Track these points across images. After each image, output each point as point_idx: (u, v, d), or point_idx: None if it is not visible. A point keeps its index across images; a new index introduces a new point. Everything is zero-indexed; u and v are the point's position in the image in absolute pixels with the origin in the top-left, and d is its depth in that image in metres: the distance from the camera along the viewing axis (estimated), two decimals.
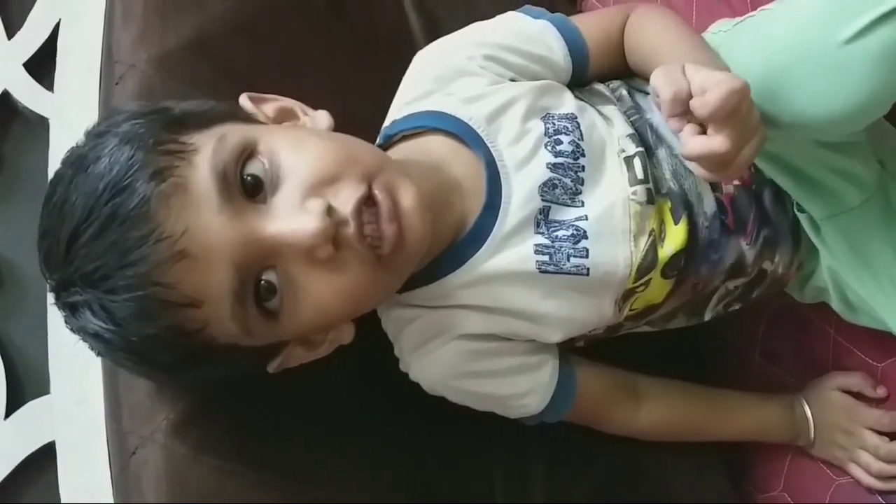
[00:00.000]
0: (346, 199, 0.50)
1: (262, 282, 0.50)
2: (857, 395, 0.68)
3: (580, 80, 0.64)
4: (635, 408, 0.66)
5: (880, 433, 0.66)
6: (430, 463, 0.65)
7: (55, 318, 0.66)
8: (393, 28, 0.82)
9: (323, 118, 0.59)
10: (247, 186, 0.50)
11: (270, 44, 0.73)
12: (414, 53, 0.66)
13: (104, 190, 0.48)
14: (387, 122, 0.64)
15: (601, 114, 0.62)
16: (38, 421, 0.68)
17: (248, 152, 0.51)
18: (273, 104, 0.59)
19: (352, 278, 0.51)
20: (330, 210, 0.49)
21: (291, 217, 0.50)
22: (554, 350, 0.61)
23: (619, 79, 0.65)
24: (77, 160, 0.51)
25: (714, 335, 0.78)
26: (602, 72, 0.65)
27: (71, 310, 0.50)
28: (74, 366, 0.63)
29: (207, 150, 0.50)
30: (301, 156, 0.51)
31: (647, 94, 0.63)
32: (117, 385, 0.59)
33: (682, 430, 0.68)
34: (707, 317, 0.65)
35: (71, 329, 0.52)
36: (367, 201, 0.51)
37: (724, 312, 0.65)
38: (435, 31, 0.79)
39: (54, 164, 0.71)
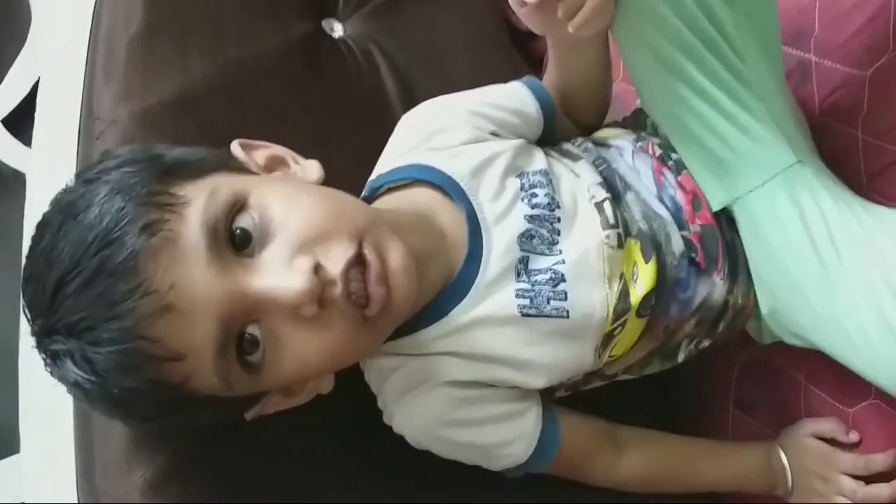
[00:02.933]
0: (335, 259, 0.51)
1: (247, 335, 0.50)
2: (831, 441, 0.68)
3: (549, 137, 0.69)
4: (616, 456, 0.66)
5: (856, 478, 0.67)
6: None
7: (26, 374, 0.65)
8: (370, 92, 0.85)
9: (314, 168, 0.60)
10: (236, 241, 0.51)
11: (250, 103, 0.75)
12: (390, 116, 0.70)
13: (93, 241, 0.48)
14: (373, 176, 0.66)
15: (570, 168, 0.65)
16: (8, 481, 0.65)
17: (238, 205, 0.51)
18: (264, 152, 0.60)
19: (336, 336, 0.51)
20: (318, 268, 0.50)
21: (279, 274, 0.50)
22: (537, 398, 0.62)
23: (581, 136, 0.70)
24: (66, 207, 0.51)
25: (688, 387, 0.79)
26: (566, 131, 0.70)
27: (52, 357, 0.50)
28: (45, 424, 0.61)
29: (199, 204, 0.50)
30: (292, 211, 0.52)
31: (610, 146, 0.68)
32: (91, 441, 0.58)
33: (662, 479, 0.68)
34: (680, 358, 0.66)
35: (51, 373, 0.51)
36: (357, 257, 0.51)
37: (696, 351, 0.66)
38: (410, 95, 0.83)
39: (30, 220, 0.71)
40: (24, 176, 0.76)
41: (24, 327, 0.66)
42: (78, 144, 0.71)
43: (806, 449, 0.68)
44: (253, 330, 0.50)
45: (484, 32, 0.95)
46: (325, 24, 0.88)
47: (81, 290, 0.47)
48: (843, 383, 0.68)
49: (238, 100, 0.74)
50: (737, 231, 0.64)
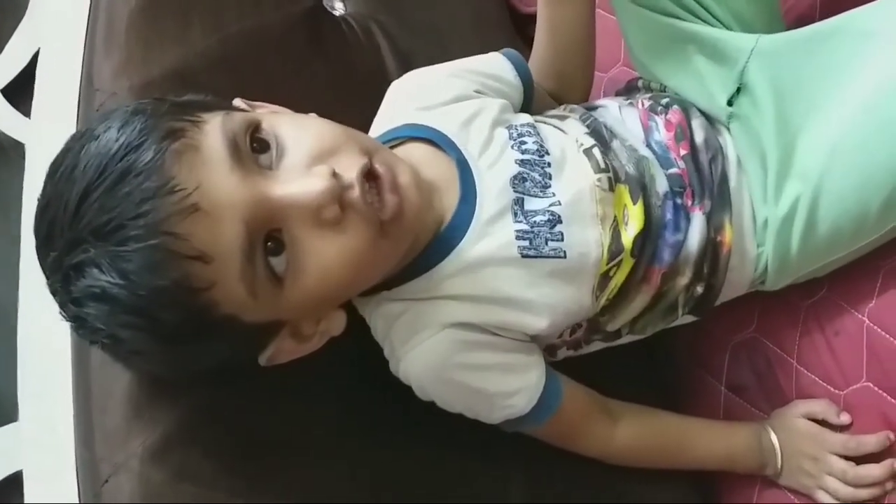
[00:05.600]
0: (349, 166, 0.53)
1: (270, 242, 0.52)
2: (822, 423, 0.69)
3: (530, 109, 0.72)
4: (611, 426, 0.67)
5: (846, 458, 0.67)
6: (421, 476, 0.65)
7: (25, 342, 0.65)
8: (371, 70, 0.85)
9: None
10: (255, 152, 0.53)
11: (251, 78, 0.75)
12: None
13: (118, 149, 0.50)
14: None
15: (556, 126, 0.68)
16: (5, 449, 0.65)
17: (253, 126, 0.54)
18: (265, 108, 0.62)
19: (355, 241, 0.53)
20: (335, 174, 0.52)
21: (299, 180, 0.52)
22: (541, 356, 0.63)
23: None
24: (85, 132, 0.53)
25: (681, 369, 0.80)
26: (547, 106, 0.74)
27: (75, 271, 0.50)
28: (44, 392, 0.61)
29: (216, 123, 0.52)
30: (303, 131, 0.55)
31: (597, 107, 0.71)
32: (90, 408, 0.58)
33: (653, 452, 0.69)
34: (681, 312, 0.67)
35: (69, 299, 0.51)
36: (368, 174, 0.54)
37: (694, 301, 0.67)
38: None
39: (30, 190, 0.71)
40: (23, 146, 0.75)
41: (24, 294, 0.66)
42: (77, 115, 0.71)
43: (797, 429, 0.69)
44: (277, 236, 0.52)
45: (484, 13, 0.95)
46: (326, 1, 0.88)
47: (108, 192, 0.49)
48: (836, 365, 0.69)
49: (239, 73, 0.74)
50: (715, 158, 0.66)
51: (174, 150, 0.49)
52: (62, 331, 0.56)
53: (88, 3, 0.74)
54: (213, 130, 0.52)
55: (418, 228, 0.59)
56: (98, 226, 0.49)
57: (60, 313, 0.53)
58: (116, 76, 0.69)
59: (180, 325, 0.50)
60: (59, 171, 0.51)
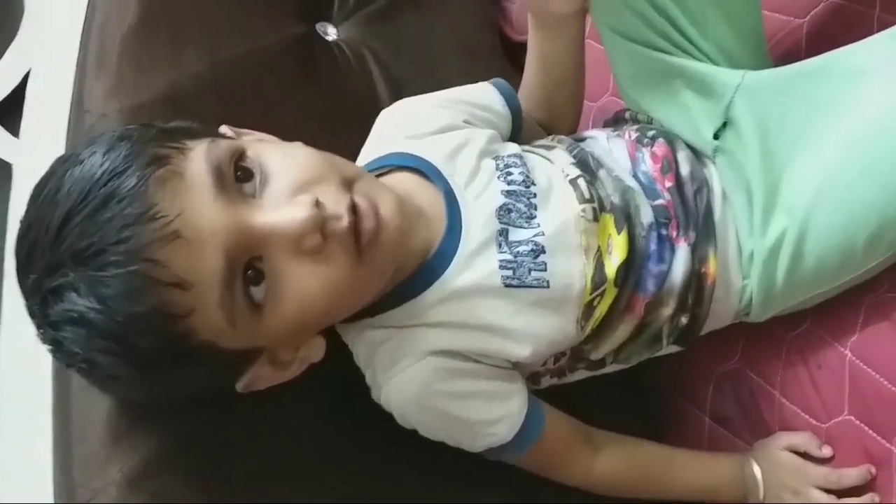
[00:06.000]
0: (332, 196, 0.54)
1: (250, 271, 0.52)
2: (804, 455, 0.69)
3: (518, 139, 0.72)
4: (593, 455, 0.67)
5: (828, 491, 0.67)
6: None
7: (5, 364, 0.65)
8: (362, 96, 0.86)
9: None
10: (239, 180, 0.53)
11: (243, 103, 0.76)
12: None
13: (102, 175, 0.50)
14: None
15: (544, 156, 0.69)
16: None
17: (238, 154, 0.54)
18: (252, 136, 0.62)
19: (336, 271, 0.54)
20: (317, 203, 0.52)
21: (282, 208, 0.53)
22: (523, 384, 0.63)
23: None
24: (70, 157, 0.53)
25: (665, 399, 0.80)
26: (536, 136, 0.75)
27: (54, 295, 0.50)
28: (23, 415, 0.61)
29: (201, 150, 0.53)
30: (287, 160, 0.55)
31: (585, 138, 0.72)
32: (69, 433, 0.58)
33: (635, 482, 0.69)
34: (665, 343, 0.68)
35: (47, 323, 0.51)
36: (350, 203, 0.54)
37: (678, 331, 0.67)
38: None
39: (16, 211, 0.70)
40: (11, 166, 0.75)
41: (6, 316, 0.66)
42: (67, 137, 0.71)
43: (779, 461, 0.69)
44: (257, 264, 0.52)
45: (476, 42, 0.96)
46: (318, 26, 0.89)
47: (91, 217, 0.49)
48: (818, 398, 0.69)
49: (230, 98, 0.75)
50: (700, 190, 0.66)
51: (158, 176, 0.50)
52: (43, 354, 0.56)
53: (81, 24, 0.75)
54: (198, 157, 0.52)
55: (401, 257, 0.59)
56: (78, 250, 0.49)
57: (38, 335, 0.53)
58: (107, 98, 0.70)
59: (157, 351, 0.50)
60: (43, 193, 0.51)
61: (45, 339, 0.52)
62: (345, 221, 0.53)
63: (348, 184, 0.55)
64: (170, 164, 0.51)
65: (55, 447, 0.58)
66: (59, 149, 0.70)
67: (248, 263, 0.52)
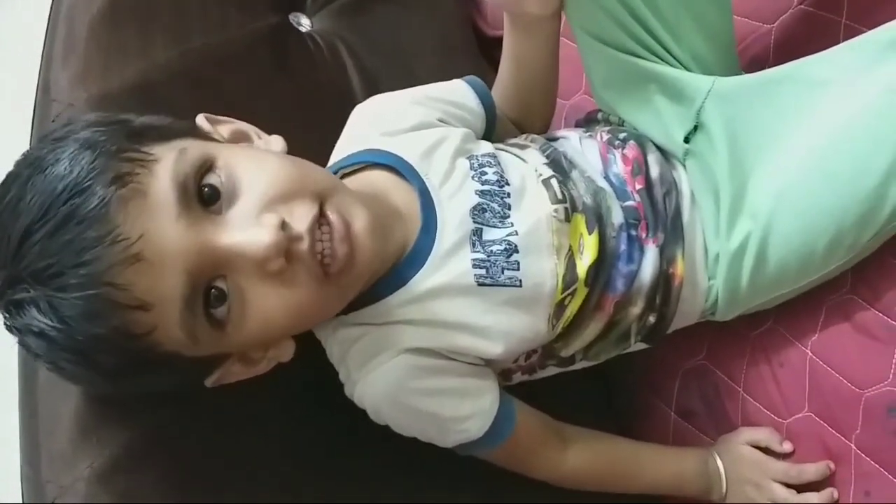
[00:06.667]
0: (300, 216, 0.53)
1: (213, 290, 0.52)
2: (766, 450, 0.71)
3: (493, 137, 0.72)
4: (562, 450, 0.68)
5: (788, 486, 0.69)
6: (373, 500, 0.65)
7: None
8: (336, 88, 0.85)
9: (277, 142, 0.62)
10: (204, 197, 0.52)
11: (214, 93, 0.75)
12: None
13: (63, 190, 0.48)
14: (328, 165, 0.68)
15: (517, 156, 0.69)
16: None
17: (207, 166, 0.53)
18: (229, 126, 0.61)
19: (299, 293, 0.53)
20: (284, 225, 0.52)
21: (247, 230, 0.52)
22: (495, 379, 0.64)
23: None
24: (35, 161, 0.51)
25: (631, 394, 0.82)
26: (510, 133, 0.75)
27: (16, 307, 0.49)
28: None
29: (168, 161, 0.51)
30: (258, 173, 0.54)
31: (558, 138, 0.72)
32: (37, 429, 0.57)
33: (603, 476, 0.70)
34: (633, 340, 0.69)
35: (12, 327, 0.51)
36: (320, 220, 0.54)
37: (646, 330, 0.68)
38: (375, 93, 0.82)
39: None
40: None
41: None
42: (32, 126, 0.70)
43: (741, 456, 0.71)
44: (220, 284, 0.51)
45: (451, 36, 0.96)
46: (292, 17, 0.88)
47: (50, 236, 0.48)
48: (779, 395, 0.71)
49: (200, 88, 0.73)
50: (670, 193, 0.67)
51: (120, 196, 0.49)
52: (9, 348, 0.55)
53: (48, 11, 0.73)
54: (163, 172, 0.51)
55: (372, 271, 0.58)
56: (37, 270, 0.48)
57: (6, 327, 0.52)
58: (74, 86, 0.68)
59: (120, 365, 0.50)
60: (5, 200, 0.50)
61: (11, 333, 0.52)
62: (305, 244, 0.52)
63: (321, 197, 0.54)
64: (133, 181, 0.49)
65: (22, 443, 0.58)
66: (25, 139, 0.68)
67: (211, 282, 0.51)
